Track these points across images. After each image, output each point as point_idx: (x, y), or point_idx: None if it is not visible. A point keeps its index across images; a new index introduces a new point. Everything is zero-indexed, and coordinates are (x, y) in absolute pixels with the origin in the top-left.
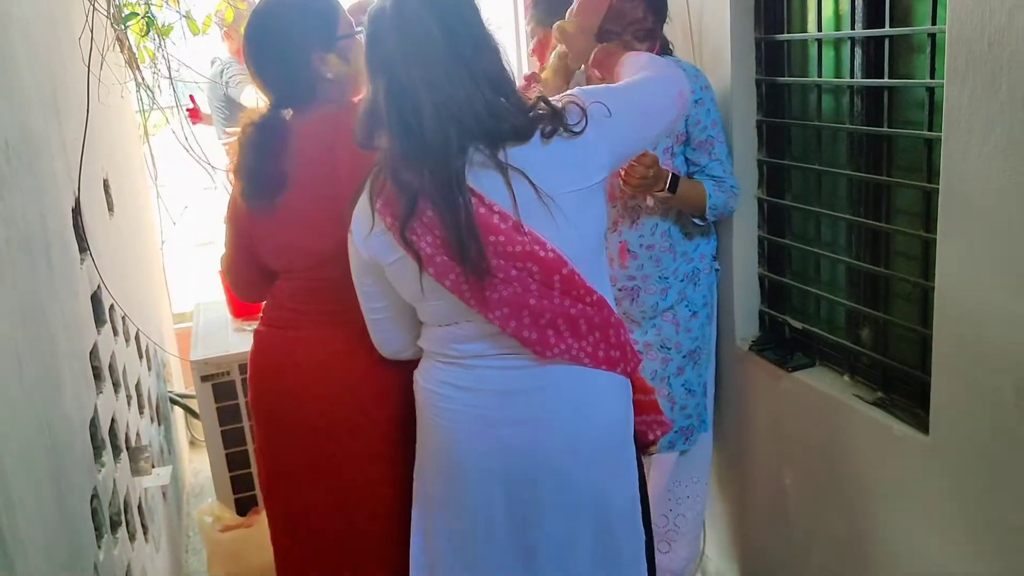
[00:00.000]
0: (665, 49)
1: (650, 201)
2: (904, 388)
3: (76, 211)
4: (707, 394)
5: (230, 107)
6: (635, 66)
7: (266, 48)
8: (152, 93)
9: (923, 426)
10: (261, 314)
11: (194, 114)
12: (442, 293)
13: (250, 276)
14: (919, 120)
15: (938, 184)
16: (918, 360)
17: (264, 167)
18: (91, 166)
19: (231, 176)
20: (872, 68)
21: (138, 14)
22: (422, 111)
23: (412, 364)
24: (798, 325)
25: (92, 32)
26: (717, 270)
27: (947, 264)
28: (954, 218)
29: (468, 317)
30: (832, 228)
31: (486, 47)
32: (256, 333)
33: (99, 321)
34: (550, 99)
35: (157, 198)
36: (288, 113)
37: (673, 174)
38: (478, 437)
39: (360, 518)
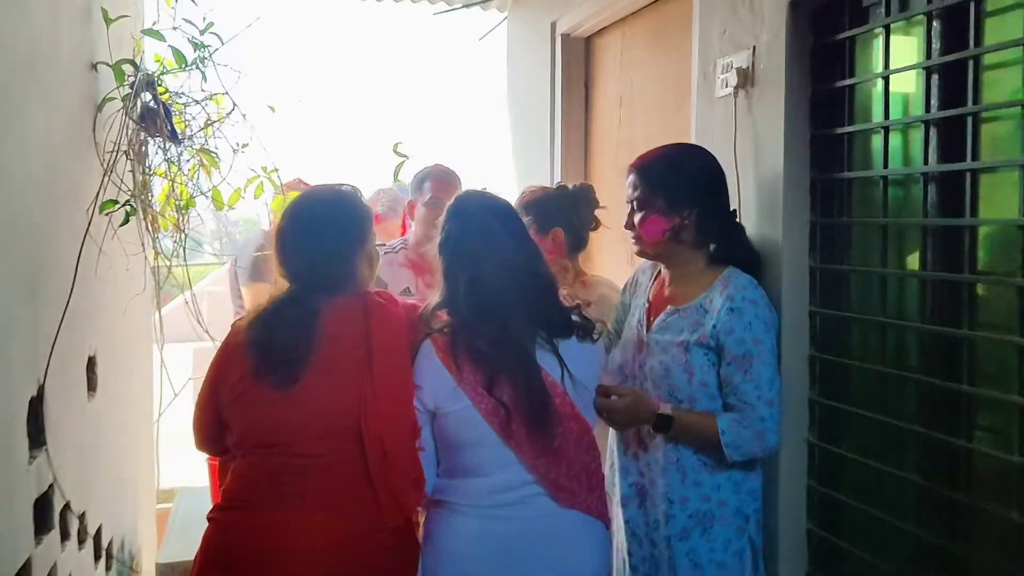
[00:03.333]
0: (752, 253)
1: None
2: None
3: (38, 399)
4: None
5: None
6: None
7: (310, 237)
8: (170, 261)
9: None
10: (221, 499)
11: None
12: (493, 440)
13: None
14: (1008, 380)
15: None
16: None
17: (287, 343)
18: (71, 347)
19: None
20: (943, 313)
21: (180, 204)
22: (508, 311)
23: (409, 547)
24: None
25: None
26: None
27: None
28: None
29: (508, 465)
30: (898, 488)
31: (539, 251)
32: (213, 520)
33: (43, 527)
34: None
35: (161, 367)
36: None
37: (663, 414)
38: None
39: None
